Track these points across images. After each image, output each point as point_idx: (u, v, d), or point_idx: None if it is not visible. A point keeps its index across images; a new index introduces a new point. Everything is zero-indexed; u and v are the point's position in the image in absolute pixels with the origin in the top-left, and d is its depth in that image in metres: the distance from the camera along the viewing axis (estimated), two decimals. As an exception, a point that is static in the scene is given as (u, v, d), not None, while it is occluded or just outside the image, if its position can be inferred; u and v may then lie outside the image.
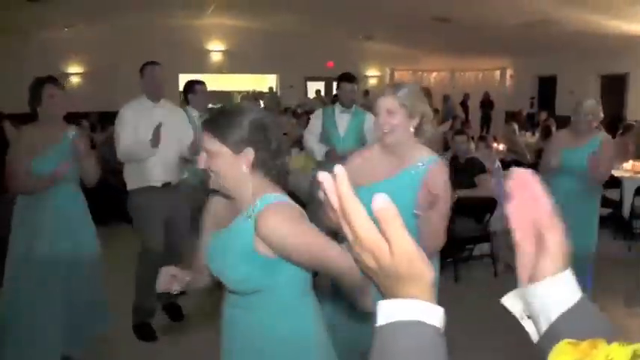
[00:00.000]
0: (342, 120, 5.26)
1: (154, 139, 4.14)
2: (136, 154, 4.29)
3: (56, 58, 15.29)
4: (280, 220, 1.78)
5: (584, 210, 4.50)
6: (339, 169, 0.71)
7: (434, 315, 0.70)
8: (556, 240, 0.80)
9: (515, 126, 9.35)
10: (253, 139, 1.83)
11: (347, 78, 5.24)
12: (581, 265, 4.49)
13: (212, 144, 1.84)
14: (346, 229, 0.72)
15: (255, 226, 1.79)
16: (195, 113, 5.16)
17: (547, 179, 4.43)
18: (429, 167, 2.52)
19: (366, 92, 17.17)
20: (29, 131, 3.76)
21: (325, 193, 0.72)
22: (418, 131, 2.54)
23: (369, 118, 5.29)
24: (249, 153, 1.83)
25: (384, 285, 0.73)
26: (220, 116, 1.88)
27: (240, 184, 1.87)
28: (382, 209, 0.67)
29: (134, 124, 4.28)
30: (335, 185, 0.70)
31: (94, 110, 12.34)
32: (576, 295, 0.78)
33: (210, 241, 2.01)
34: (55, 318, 3.70)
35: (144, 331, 4.46)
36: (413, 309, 0.70)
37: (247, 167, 1.84)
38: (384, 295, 0.74)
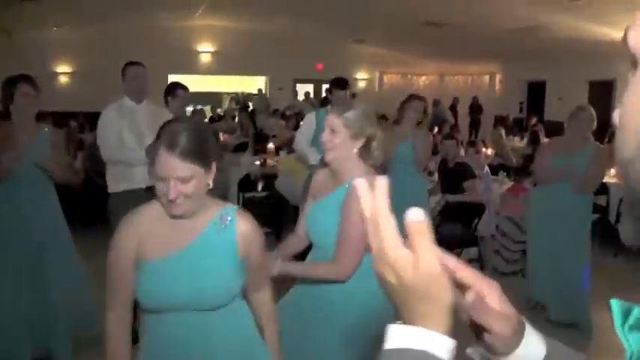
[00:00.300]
0: None
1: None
2: (123, 159, 4.21)
3: (45, 58, 15.21)
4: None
5: (578, 215, 4.54)
6: (382, 180, 0.70)
7: (443, 347, 0.68)
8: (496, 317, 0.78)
9: (502, 130, 9.39)
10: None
11: (339, 84, 5.17)
12: (578, 269, 4.53)
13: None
14: (373, 240, 0.71)
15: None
16: (169, 117, 5.08)
17: (542, 185, 4.51)
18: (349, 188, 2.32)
19: (353, 95, 17.13)
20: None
21: (360, 200, 0.71)
22: (363, 153, 2.41)
23: None
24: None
25: (400, 301, 0.71)
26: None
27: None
28: (415, 222, 0.67)
29: (117, 126, 4.20)
30: (372, 195, 0.69)
31: (82, 110, 12.26)
32: (543, 348, 0.80)
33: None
34: (19, 316, 3.65)
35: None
36: (422, 338, 0.68)
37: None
38: (398, 313, 0.73)
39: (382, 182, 0.70)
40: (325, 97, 18.06)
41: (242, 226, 1.94)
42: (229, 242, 1.92)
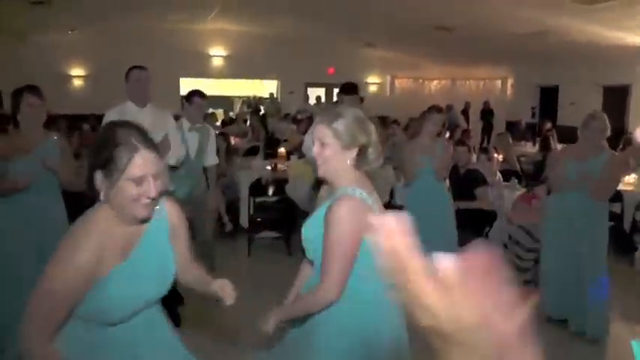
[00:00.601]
0: None
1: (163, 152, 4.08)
2: None
3: (59, 61, 15.32)
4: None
5: (595, 223, 4.47)
6: (403, 217, 0.67)
7: None
8: None
9: (509, 136, 9.30)
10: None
11: (348, 90, 5.15)
12: (597, 278, 4.46)
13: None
14: (399, 278, 0.67)
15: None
16: (187, 125, 5.06)
17: (558, 194, 4.43)
18: (333, 201, 2.20)
19: (361, 99, 17.10)
20: (5, 141, 3.81)
21: (378, 240, 0.67)
22: (359, 161, 2.24)
23: None
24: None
25: (439, 342, 0.68)
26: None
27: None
28: (447, 270, 0.64)
29: None
30: (392, 237, 0.66)
31: (95, 113, 12.31)
32: None
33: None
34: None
35: None
36: None
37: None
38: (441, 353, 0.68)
39: (404, 220, 0.66)
40: (336, 102, 18.08)
41: (171, 213, 2.06)
42: (165, 230, 2.00)
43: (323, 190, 2.46)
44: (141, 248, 1.92)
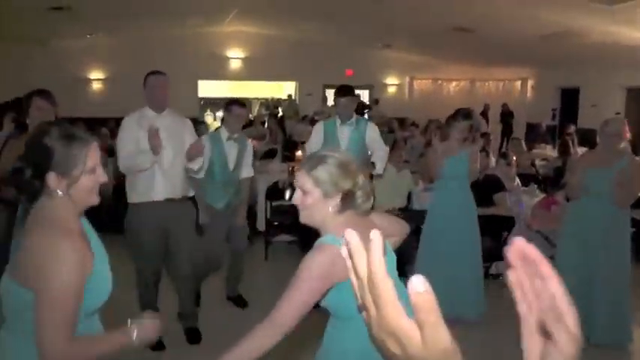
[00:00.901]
0: (344, 133, 5.12)
1: (153, 145, 3.99)
2: (136, 165, 4.16)
3: (77, 65, 15.47)
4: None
5: (617, 230, 4.40)
6: (376, 235, 0.63)
7: None
8: (568, 336, 0.67)
9: (523, 141, 9.19)
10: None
11: (342, 92, 5.12)
12: (621, 286, 4.38)
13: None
14: (368, 303, 0.65)
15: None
16: (225, 135, 5.04)
17: (575, 201, 4.35)
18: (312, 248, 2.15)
19: (377, 101, 17.09)
20: (17, 145, 3.79)
21: (349, 256, 0.64)
22: (345, 207, 2.14)
23: (371, 128, 5.19)
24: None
25: None
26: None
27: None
28: (419, 294, 0.60)
29: (135, 135, 4.17)
30: (367, 253, 0.63)
31: (114, 116, 12.39)
32: None
33: None
34: None
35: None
36: None
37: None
38: None
39: (377, 238, 0.62)
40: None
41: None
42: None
43: None
44: (89, 231, 2.02)
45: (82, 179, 1.86)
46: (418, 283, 0.60)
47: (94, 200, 1.93)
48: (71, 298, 1.78)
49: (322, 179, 2.11)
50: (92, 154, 1.88)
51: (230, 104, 5.03)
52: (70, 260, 1.78)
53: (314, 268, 2.04)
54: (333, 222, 2.13)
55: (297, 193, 2.16)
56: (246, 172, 5.19)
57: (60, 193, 1.84)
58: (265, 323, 2.03)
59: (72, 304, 1.79)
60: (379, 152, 5.14)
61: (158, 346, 4.35)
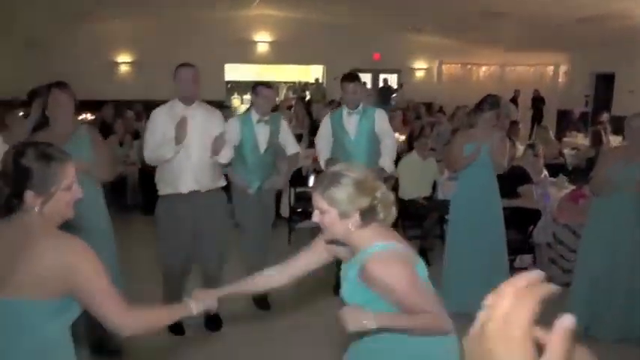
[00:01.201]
0: (351, 122, 5.00)
1: (178, 135, 4.05)
2: (160, 155, 4.21)
3: (106, 48, 15.57)
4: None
5: None
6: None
7: None
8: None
9: (549, 128, 8.93)
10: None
11: (349, 78, 5.02)
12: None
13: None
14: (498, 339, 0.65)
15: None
16: (255, 117, 5.02)
17: (602, 198, 4.23)
18: (363, 264, 2.10)
19: (401, 85, 16.93)
20: (40, 137, 3.77)
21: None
22: (366, 222, 2.12)
23: (380, 115, 5.09)
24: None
25: None
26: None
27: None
28: (568, 330, 0.63)
29: (164, 127, 4.21)
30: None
31: (141, 99, 12.46)
32: None
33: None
34: None
35: (175, 327, 4.44)
36: None
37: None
38: None
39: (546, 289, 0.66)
40: (382, 87, 17.95)
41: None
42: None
43: (340, 247, 2.31)
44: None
45: (58, 196, 1.97)
46: (568, 321, 0.63)
47: (69, 214, 2.05)
48: (106, 278, 1.96)
49: (338, 199, 2.09)
50: (68, 173, 2.00)
51: (257, 86, 4.98)
52: (86, 247, 1.95)
53: (394, 267, 2.06)
54: (359, 236, 2.13)
55: (315, 213, 2.16)
56: (291, 148, 5.10)
57: (36, 209, 1.93)
58: (429, 315, 2.08)
59: (108, 282, 1.96)
60: (387, 141, 5.03)
61: (178, 330, 4.40)
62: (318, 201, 2.12)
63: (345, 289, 2.24)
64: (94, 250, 1.95)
